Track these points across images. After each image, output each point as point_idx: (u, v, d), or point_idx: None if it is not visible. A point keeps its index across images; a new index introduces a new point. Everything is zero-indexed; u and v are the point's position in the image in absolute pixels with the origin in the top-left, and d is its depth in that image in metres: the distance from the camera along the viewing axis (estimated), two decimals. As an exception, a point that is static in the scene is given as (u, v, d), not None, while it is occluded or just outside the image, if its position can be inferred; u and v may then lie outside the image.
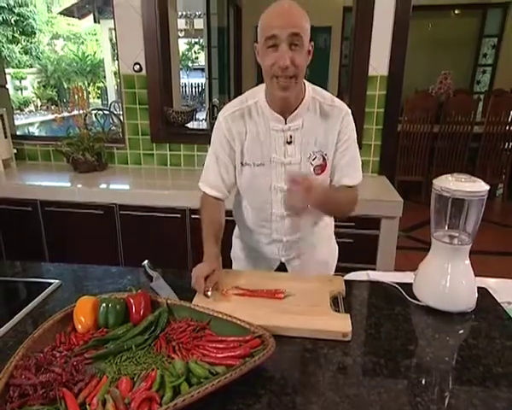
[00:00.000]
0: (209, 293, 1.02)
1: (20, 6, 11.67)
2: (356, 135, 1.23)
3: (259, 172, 1.21)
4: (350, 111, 1.21)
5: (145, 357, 0.83)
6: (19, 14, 11.73)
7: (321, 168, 1.20)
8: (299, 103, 1.16)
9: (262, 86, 1.19)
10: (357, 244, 1.98)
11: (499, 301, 1.07)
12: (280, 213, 1.26)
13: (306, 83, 1.19)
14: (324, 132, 1.18)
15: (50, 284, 1.14)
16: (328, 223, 1.41)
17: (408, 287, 1.10)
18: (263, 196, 1.25)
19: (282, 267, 1.38)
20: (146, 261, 1.24)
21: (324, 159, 1.19)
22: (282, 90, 1.07)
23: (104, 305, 0.92)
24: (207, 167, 1.28)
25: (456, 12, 6.06)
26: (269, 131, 1.18)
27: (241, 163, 1.22)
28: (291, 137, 1.17)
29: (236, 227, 1.44)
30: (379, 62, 2.20)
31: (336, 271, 1.47)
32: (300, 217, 1.20)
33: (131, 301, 0.94)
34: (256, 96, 1.20)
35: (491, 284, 1.18)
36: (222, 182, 1.25)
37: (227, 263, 1.34)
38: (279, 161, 1.19)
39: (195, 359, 0.80)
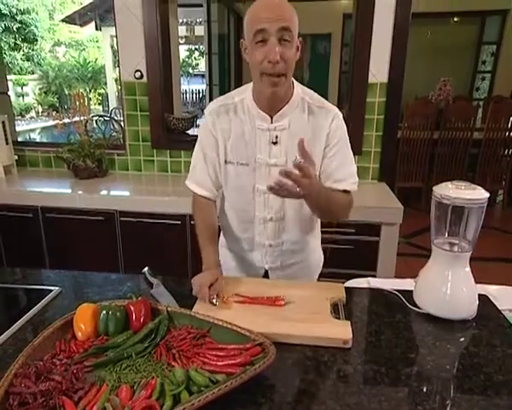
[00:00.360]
0: (214, 300, 1.02)
1: (22, 13, 11.78)
2: (348, 138, 1.19)
3: (243, 171, 1.18)
4: (340, 114, 1.17)
5: (145, 365, 0.83)
6: (21, 22, 11.84)
7: None
8: (286, 102, 1.13)
9: (249, 85, 1.17)
10: (357, 251, 1.98)
11: (500, 308, 1.07)
12: (263, 216, 1.23)
13: (295, 82, 1.16)
14: (312, 134, 1.14)
15: (50, 290, 1.13)
16: (315, 234, 1.37)
17: (408, 294, 1.10)
18: (246, 197, 1.22)
19: (265, 277, 1.35)
20: (146, 268, 1.24)
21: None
22: (272, 86, 1.04)
23: (104, 312, 0.92)
24: (195, 165, 1.25)
25: (456, 19, 6.11)
26: (254, 130, 1.15)
27: (225, 161, 1.20)
28: (277, 137, 1.14)
29: (221, 235, 1.41)
30: (379, 69, 2.22)
31: (336, 277, 1.47)
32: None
33: (132, 308, 0.94)
34: (243, 93, 1.18)
35: (491, 291, 1.17)
36: (210, 180, 1.23)
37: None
38: (264, 162, 1.16)
39: (196, 367, 0.80)
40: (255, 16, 1.01)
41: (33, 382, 0.74)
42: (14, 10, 11.56)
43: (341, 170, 1.18)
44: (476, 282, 1.03)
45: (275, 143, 1.15)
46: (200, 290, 1.03)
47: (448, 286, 1.00)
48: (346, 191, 1.19)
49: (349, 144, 1.20)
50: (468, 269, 1.01)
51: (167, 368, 0.82)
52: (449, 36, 6.05)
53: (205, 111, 1.23)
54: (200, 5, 4.67)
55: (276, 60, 0.99)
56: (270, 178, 1.16)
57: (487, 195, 0.95)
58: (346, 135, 1.19)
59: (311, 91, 1.19)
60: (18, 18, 11.75)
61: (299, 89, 1.16)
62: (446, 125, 4.16)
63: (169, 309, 0.97)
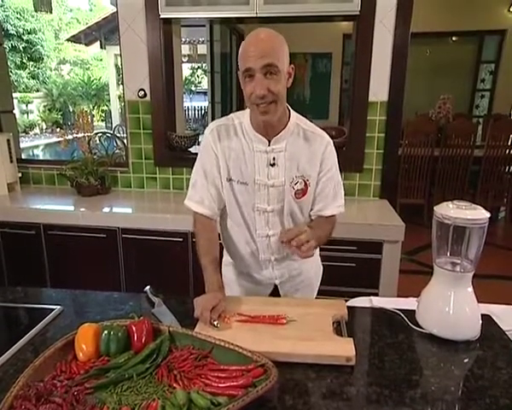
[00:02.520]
0: (216, 322, 1.01)
1: (28, 33, 12.03)
2: (338, 164, 1.28)
3: (243, 190, 1.23)
4: (331, 141, 1.25)
5: (146, 386, 0.82)
6: (27, 41, 12.09)
7: (302, 192, 1.23)
8: (283, 127, 1.19)
9: (247, 110, 1.22)
10: (359, 268, 1.98)
11: (504, 328, 1.06)
12: (264, 233, 1.27)
13: (291, 110, 1.23)
14: (307, 158, 1.21)
15: (52, 310, 1.13)
16: None
17: (411, 314, 1.09)
18: (247, 215, 1.26)
19: (275, 292, 1.38)
20: (148, 287, 1.24)
21: (306, 184, 1.23)
22: (263, 114, 1.11)
23: (106, 332, 0.92)
24: (195, 183, 1.27)
25: (454, 39, 6.20)
26: (253, 153, 1.21)
27: (227, 179, 1.24)
28: (274, 159, 1.20)
29: (226, 254, 1.43)
30: (379, 89, 2.25)
31: (338, 295, 1.46)
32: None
33: (133, 328, 0.94)
34: (241, 117, 1.24)
35: (494, 310, 1.16)
36: (211, 197, 1.25)
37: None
38: (262, 183, 1.21)
39: (197, 389, 0.79)
40: (243, 54, 1.09)
41: (33, 404, 0.74)
42: (20, 30, 11.81)
43: (331, 197, 1.27)
44: (479, 301, 1.02)
45: (272, 165, 1.21)
46: (201, 314, 1.02)
47: (451, 306, 0.99)
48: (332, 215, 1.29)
49: (338, 169, 1.29)
50: (470, 289, 1.01)
51: (168, 390, 0.81)
52: (448, 54, 6.13)
53: (205, 131, 1.27)
54: (203, 25, 4.76)
55: (261, 94, 1.07)
56: (268, 198, 1.23)
57: (488, 215, 0.95)
58: (336, 161, 1.27)
59: (305, 119, 1.26)
60: (24, 38, 12.00)
61: (294, 116, 1.23)
62: (447, 142, 4.18)
63: (171, 329, 0.97)
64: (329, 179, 1.25)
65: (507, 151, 4.20)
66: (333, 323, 1.03)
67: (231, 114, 1.27)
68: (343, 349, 0.92)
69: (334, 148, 1.26)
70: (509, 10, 5.72)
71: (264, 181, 1.21)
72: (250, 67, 1.07)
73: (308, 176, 1.22)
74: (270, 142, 1.19)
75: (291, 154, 1.20)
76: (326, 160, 1.23)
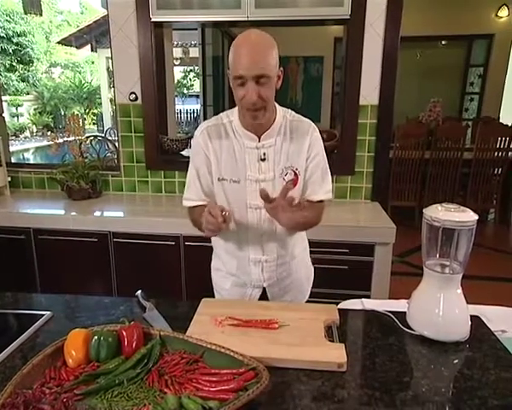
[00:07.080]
0: (226, 214, 1.03)
1: (18, 36, 11.93)
2: (324, 150, 1.30)
3: (235, 188, 1.25)
4: (317, 128, 1.28)
5: (137, 392, 0.82)
6: (17, 44, 11.98)
7: (293, 183, 1.24)
8: (271, 124, 1.22)
9: (236, 108, 1.24)
10: (351, 271, 1.99)
11: (493, 329, 1.07)
12: (257, 232, 1.28)
13: (276, 105, 1.25)
14: (295, 147, 1.24)
15: (42, 315, 1.12)
16: (304, 247, 1.44)
17: (402, 316, 1.10)
18: (239, 214, 1.27)
19: (263, 295, 1.38)
20: (139, 291, 1.23)
21: (296, 173, 1.25)
22: (252, 119, 1.15)
23: (96, 338, 0.91)
24: (189, 185, 1.31)
25: (444, 43, 6.29)
26: (243, 149, 1.23)
27: (218, 178, 1.26)
28: (264, 154, 1.23)
29: (215, 258, 1.44)
30: (369, 92, 2.27)
31: (330, 298, 1.47)
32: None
33: (124, 333, 0.93)
34: (230, 116, 1.26)
35: (484, 311, 1.17)
36: (205, 195, 1.29)
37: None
38: (253, 178, 1.23)
39: (188, 393, 0.79)
40: (235, 61, 1.10)
41: (22, 412, 0.72)
42: (10, 33, 11.70)
43: (318, 182, 1.29)
44: (468, 302, 1.03)
45: (263, 160, 1.23)
46: (209, 212, 1.05)
47: (440, 308, 1.00)
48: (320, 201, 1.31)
49: (325, 154, 1.30)
50: (459, 291, 1.02)
51: (159, 395, 0.80)
52: (437, 58, 6.22)
53: (196, 132, 1.28)
54: (195, 29, 4.77)
55: (252, 101, 1.10)
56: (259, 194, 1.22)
57: (476, 217, 0.96)
58: (323, 147, 1.30)
59: (289, 110, 1.29)
60: (14, 40, 11.89)
61: (279, 110, 1.26)
62: (437, 145, 4.23)
63: (162, 334, 0.96)
64: (317, 165, 1.27)
65: (496, 154, 4.26)
66: (324, 328, 1.03)
67: (221, 113, 1.29)
68: (334, 355, 0.92)
69: (319, 135, 1.29)
70: (496, 15, 5.82)
71: (256, 176, 1.23)
72: (242, 75, 1.09)
73: (297, 165, 1.24)
74: (259, 138, 1.22)
75: (280, 147, 1.23)
76: (313, 145, 1.25)
